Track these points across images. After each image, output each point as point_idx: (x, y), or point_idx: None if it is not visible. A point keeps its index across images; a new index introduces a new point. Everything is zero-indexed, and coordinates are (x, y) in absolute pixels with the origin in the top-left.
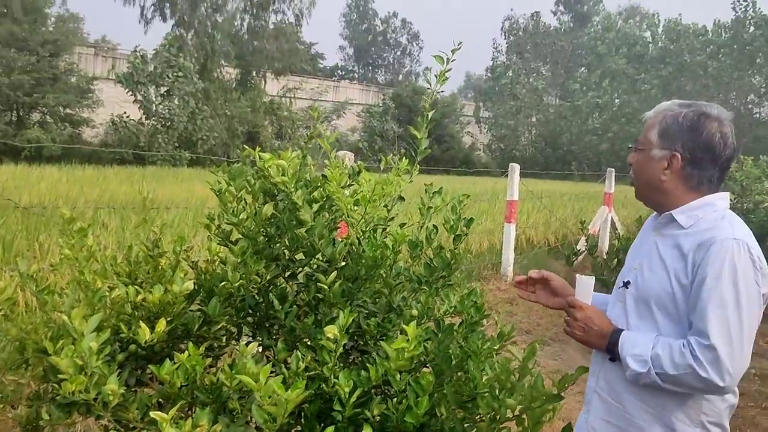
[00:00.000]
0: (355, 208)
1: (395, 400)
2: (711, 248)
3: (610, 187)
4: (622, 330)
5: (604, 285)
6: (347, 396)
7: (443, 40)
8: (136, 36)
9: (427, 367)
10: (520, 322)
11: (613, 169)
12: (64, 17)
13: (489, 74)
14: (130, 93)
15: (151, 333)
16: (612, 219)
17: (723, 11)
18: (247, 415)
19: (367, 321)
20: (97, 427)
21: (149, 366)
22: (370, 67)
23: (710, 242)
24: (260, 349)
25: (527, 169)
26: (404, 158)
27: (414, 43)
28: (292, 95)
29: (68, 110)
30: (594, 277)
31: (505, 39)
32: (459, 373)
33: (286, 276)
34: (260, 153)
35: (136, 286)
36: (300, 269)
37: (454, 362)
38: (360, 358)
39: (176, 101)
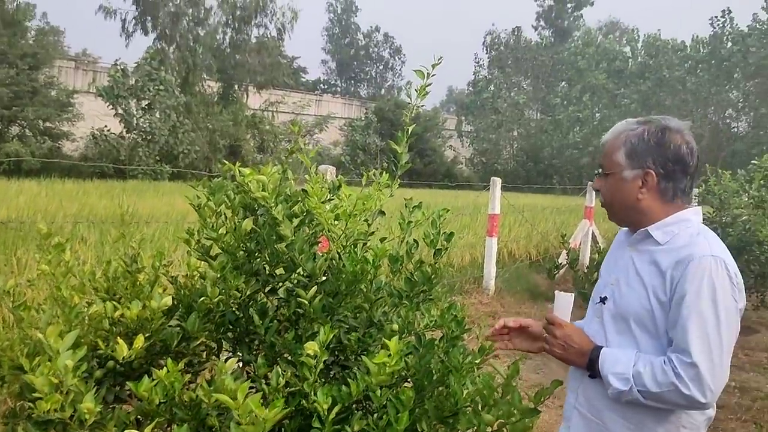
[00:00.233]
0: (336, 222)
1: (375, 415)
2: (689, 265)
3: (591, 201)
4: (601, 347)
5: (585, 299)
6: (326, 412)
7: (425, 54)
8: (118, 49)
9: (408, 382)
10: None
11: None
12: (44, 30)
13: (471, 88)
14: (111, 106)
15: (129, 349)
16: (593, 232)
17: (701, 27)
18: None
19: (348, 336)
20: None
21: (127, 383)
22: (353, 81)
23: (688, 259)
24: (240, 365)
25: (509, 182)
26: (385, 172)
27: (396, 58)
28: (275, 109)
29: (48, 124)
30: (573, 294)
31: (486, 53)
32: (440, 388)
33: (266, 291)
34: (240, 168)
35: (114, 302)
36: (280, 284)
37: (435, 377)
38: (341, 374)
39: (157, 115)
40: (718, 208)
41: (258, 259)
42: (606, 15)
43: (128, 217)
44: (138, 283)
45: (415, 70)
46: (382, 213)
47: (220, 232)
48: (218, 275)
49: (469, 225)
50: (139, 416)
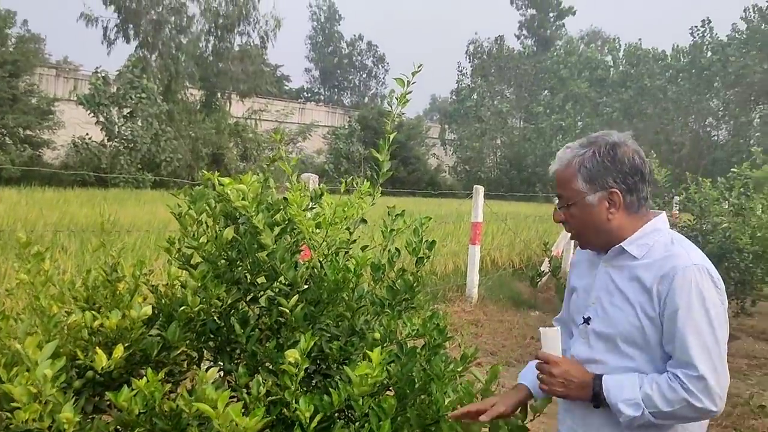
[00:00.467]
0: (317, 231)
1: (357, 424)
2: (675, 279)
3: None
4: (601, 376)
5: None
6: (308, 421)
7: (409, 62)
8: (99, 57)
9: (390, 391)
10: (485, 344)
11: None
12: (25, 38)
13: (454, 97)
14: (92, 114)
15: (109, 359)
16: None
17: (681, 36)
18: None
19: (330, 344)
20: None
21: (107, 393)
22: (336, 90)
23: (672, 273)
24: (221, 374)
25: (492, 190)
26: (366, 180)
27: (380, 66)
28: (258, 117)
29: (28, 131)
30: (558, 328)
31: (469, 62)
32: (422, 396)
33: (247, 300)
34: (220, 177)
35: (94, 312)
36: (261, 293)
37: (417, 385)
38: (323, 382)
39: (139, 123)
40: (699, 216)
41: (239, 268)
42: (588, 24)
43: (109, 226)
44: (118, 292)
45: (395, 78)
46: (364, 221)
47: (201, 240)
48: (199, 284)
49: (452, 233)
50: (118, 427)
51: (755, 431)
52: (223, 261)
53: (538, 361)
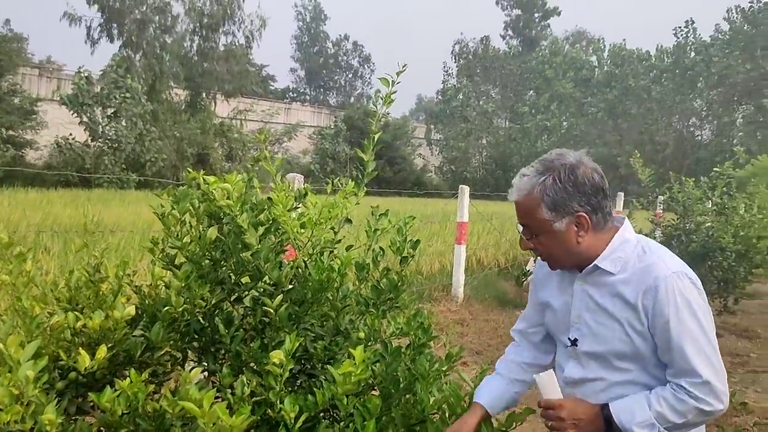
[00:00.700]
0: (302, 231)
1: (342, 423)
2: (658, 291)
3: None
4: (607, 404)
5: None
6: (293, 421)
7: (395, 63)
8: (83, 57)
9: (375, 390)
10: (471, 343)
11: None
12: (7, 37)
13: (440, 97)
14: (75, 114)
15: (92, 360)
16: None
17: (665, 37)
18: None
19: (314, 344)
20: None
21: (90, 394)
22: (322, 90)
23: (655, 285)
24: (206, 375)
25: (478, 190)
26: (351, 180)
27: (365, 66)
28: (243, 117)
29: (11, 132)
30: (552, 371)
31: (455, 62)
32: (407, 396)
33: (231, 300)
34: (204, 176)
35: (77, 312)
36: (246, 293)
37: (401, 385)
38: (308, 382)
39: (123, 123)
40: (682, 215)
41: (223, 268)
42: (572, 25)
43: (93, 227)
44: (101, 292)
45: (380, 78)
46: (348, 221)
47: (184, 240)
48: (183, 284)
49: (438, 233)
50: (102, 428)
51: (738, 428)
52: (207, 261)
53: (540, 409)
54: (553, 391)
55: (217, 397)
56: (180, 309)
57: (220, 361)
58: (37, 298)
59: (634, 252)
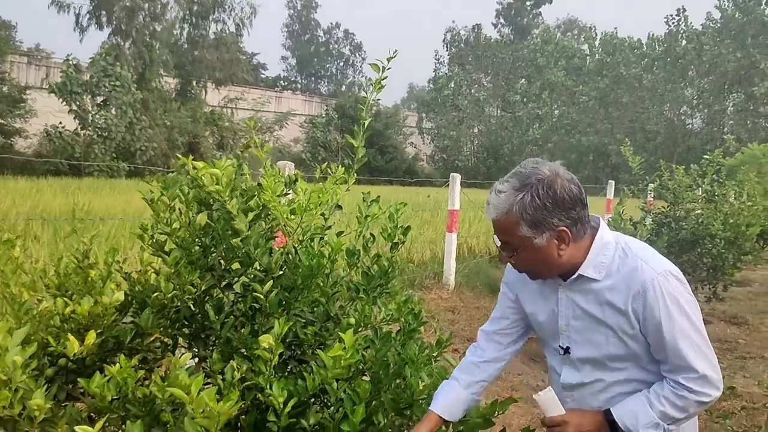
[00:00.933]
0: (292, 217)
1: (332, 408)
2: (647, 295)
3: None
4: (608, 410)
5: None
6: (282, 406)
7: (386, 51)
8: (72, 45)
9: (365, 375)
10: (462, 330)
11: None
12: None
13: (431, 85)
14: (65, 103)
15: (81, 345)
16: None
17: (656, 25)
18: (180, 428)
19: (305, 330)
20: None
21: (79, 379)
22: (313, 78)
23: (643, 289)
24: (196, 361)
25: (469, 179)
26: (341, 166)
27: (357, 54)
28: (234, 106)
29: (0, 120)
30: (550, 387)
31: (447, 50)
32: (397, 381)
33: (221, 286)
34: (193, 162)
35: (65, 298)
36: (236, 279)
37: (391, 370)
38: (298, 368)
39: (113, 111)
40: (672, 203)
41: (213, 255)
42: (564, 13)
43: (83, 215)
44: (90, 279)
45: (371, 64)
46: (339, 207)
47: (174, 226)
48: (172, 270)
49: (429, 221)
50: (91, 414)
51: (727, 412)
52: (197, 247)
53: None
54: (554, 407)
55: (207, 383)
56: (170, 295)
57: (210, 348)
58: (26, 285)
59: (616, 255)
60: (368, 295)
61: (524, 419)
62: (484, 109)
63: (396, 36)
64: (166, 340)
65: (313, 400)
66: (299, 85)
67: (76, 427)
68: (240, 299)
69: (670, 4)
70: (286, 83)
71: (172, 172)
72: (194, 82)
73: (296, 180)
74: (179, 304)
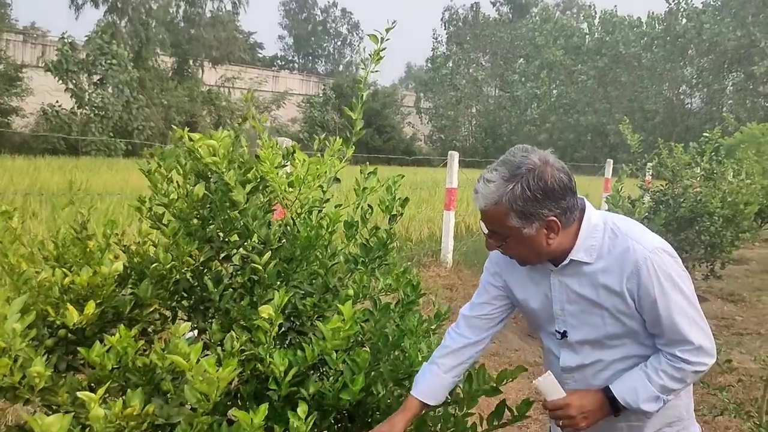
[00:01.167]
0: (290, 189)
1: (331, 378)
2: (640, 274)
3: None
4: (608, 388)
5: None
6: (282, 375)
7: (384, 29)
8: (68, 23)
9: (364, 346)
10: (459, 307)
11: None
12: None
13: (429, 65)
14: (61, 81)
15: (80, 315)
16: None
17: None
18: (180, 396)
19: (303, 302)
20: (27, 415)
21: (79, 349)
22: (310, 57)
23: (636, 269)
24: (195, 333)
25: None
26: (339, 138)
27: (354, 33)
28: (231, 85)
29: None
30: (550, 372)
31: (445, 29)
32: (396, 352)
33: (220, 258)
34: (190, 133)
35: (64, 269)
36: (234, 251)
37: (390, 341)
38: (297, 339)
39: (110, 90)
40: (671, 181)
41: (211, 226)
42: None
43: (81, 192)
44: (88, 250)
45: (369, 35)
46: (337, 180)
47: (171, 197)
48: (171, 241)
49: (427, 200)
50: (92, 384)
51: (724, 386)
52: (195, 220)
53: (546, 410)
54: (555, 391)
55: (206, 354)
56: (168, 266)
57: (209, 320)
58: (24, 256)
59: (605, 236)
60: (366, 267)
61: (521, 394)
62: (482, 89)
63: (394, 14)
64: (165, 312)
65: (312, 372)
66: (296, 65)
67: (79, 393)
68: (238, 271)
69: None
70: (283, 62)
71: (170, 146)
72: (191, 61)
73: (294, 152)
74: (178, 275)
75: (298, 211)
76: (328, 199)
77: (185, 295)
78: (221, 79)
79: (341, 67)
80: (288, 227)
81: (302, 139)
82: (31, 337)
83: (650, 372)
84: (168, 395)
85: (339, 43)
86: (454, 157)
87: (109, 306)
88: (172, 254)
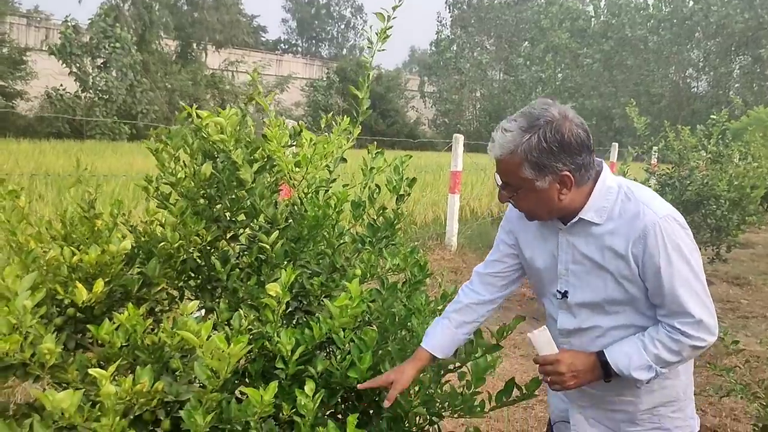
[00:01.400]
0: (297, 169)
1: (339, 357)
2: (647, 240)
3: None
4: (602, 351)
5: None
6: (289, 353)
7: (387, 12)
8: (71, 6)
9: (372, 326)
10: None
11: None
12: None
13: (433, 48)
14: (65, 65)
15: (89, 293)
16: None
17: None
18: (190, 373)
19: (311, 281)
20: (37, 391)
21: (88, 327)
22: (314, 41)
23: (644, 234)
24: (203, 312)
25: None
26: (346, 117)
27: (358, 17)
28: (234, 69)
29: (0, 82)
30: (545, 327)
31: (449, 12)
32: (403, 332)
33: (227, 238)
34: (198, 111)
35: (72, 248)
36: (242, 231)
37: (397, 320)
38: (304, 319)
39: (114, 73)
40: (677, 163)
41: (218, 206)
42: None
43: (87, 174)
44: (96, 228)
45: (375, 13)
46: (344, 160)
47: (178, 176)
48: (178, 220)
49: (432, 184)
50: (101, 362)
51: (730, 367)
52: (202, 199)
53: (538, 364)
54: (548, 346)
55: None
56: (176, 245)
57: (216, 299)
58: (32, 235)
59: (618, 199)
60: (374, 247)
61: (527, 376)
62: (487, 73)
63: None
64: (172, 291)
65: (319, 351)
66: (300, 48)
67: (90, 369)
68: (246, 251)
69: None
70: (286, 46)
71: (176, 126)
72: (194, 45)
73: (301, 131)
74: (185, 255)
75: (305, 190)
76: (335, 179)
77: (192, 274)
78: (225, 63)
79: (345, 50)
80: (295, 207)
81: (306, 123)
82: (40, 314)
83: (647, 341)
84: (177, 373)
85: (342, 26)
86: (459, 140)
87: (118, 284)
88: (180, 233)
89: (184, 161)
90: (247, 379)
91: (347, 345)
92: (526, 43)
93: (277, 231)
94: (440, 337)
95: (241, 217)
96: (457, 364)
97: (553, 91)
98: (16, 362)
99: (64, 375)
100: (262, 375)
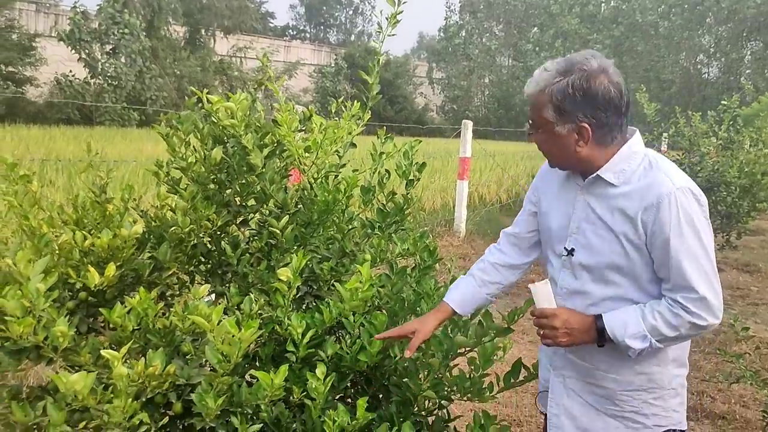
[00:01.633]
0: (307, 154)
1: (349, 340)
2: (660, 208)
3: None
4: (600, 315)
5: None
6: (300, 337)
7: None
8: None
9: (381, 310)
10: None
11: None
12: None
13: (442, 34)
14: (74, 51)
15: (101, 277)
16: None
17: None
18: (201, 357)
19: (321, 266)
20: (50, 374)
21: (100, 310)
22: (322, 27)
23: (657, 201)
24: (214, 296)
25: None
26: (356, 102)
27: (366, 2)
28: (243, 55)
29: (10, 68)
30: (548, 280)
31: None
32: (412, 316)
33: (237, 222)
34: (208, 96)
35: (84, 232)
36: (252, 215)
37: (407, 304)
38: (314, 303)
39: (123, 59)
40: (688, 150)
41: (229, 191)
42: None
43: (97, 160)
44: (108, 213)
45: None
46: (353, 145)
47: (189, 161)
48: (189, 205)
49: (440, 170)
50: (113, 345)
51: (740, 353)
52: (212, 184)
53: (534, 317)
54: (547, 300)
55: (225, 316)
56: (187, 229)
57: (227, 284)
58: (44, 220)
59: (640, 165)
60: (383, 232)
61: (536, 361)
62: (496, 59)
63: None
64: (183, 276)
65: (329, 336)
66: (308, 35)
67: (103, 351)
68: (256, 235)
69: None
70: (294, 32)
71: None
72: (203, 30)
73: (311, 116)
74: (196, 239)
75: (315, 175)
76: (345, 164)
77: (203, 259)
78: (233, 49)
79: (353, 36)
80: (305, 192)
81: (315, 109)
82: (53, 298)
83: (646, 311)
84: (188, 357)
85: (351, 12)
86: (468, 126)
87: (129, 269)
88: (190, 218)
89: (194, 146)
90: (257, 363)
91: (357, 329)
92: (536, 28)
93: (287, 216)
94: (462, 293)
95: (252, 202)
96: (467, 348)
97: None
98: (29, 345)
99: (76, 358)
100: (273, 359)
